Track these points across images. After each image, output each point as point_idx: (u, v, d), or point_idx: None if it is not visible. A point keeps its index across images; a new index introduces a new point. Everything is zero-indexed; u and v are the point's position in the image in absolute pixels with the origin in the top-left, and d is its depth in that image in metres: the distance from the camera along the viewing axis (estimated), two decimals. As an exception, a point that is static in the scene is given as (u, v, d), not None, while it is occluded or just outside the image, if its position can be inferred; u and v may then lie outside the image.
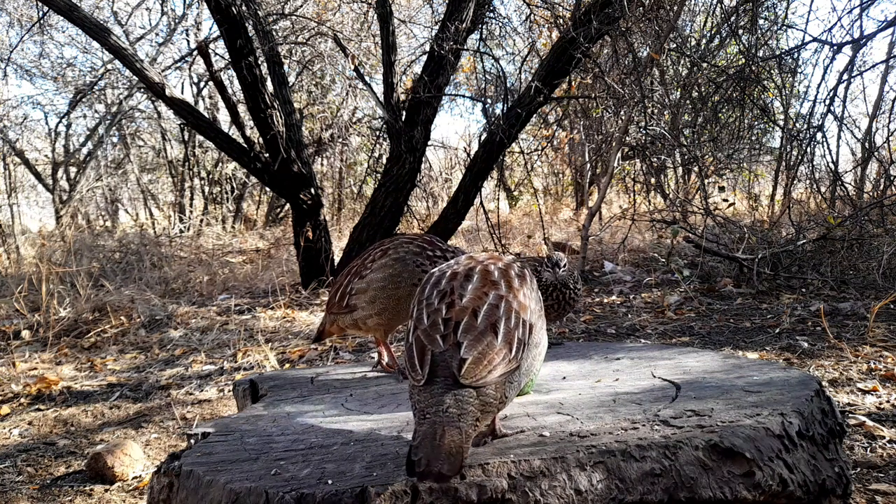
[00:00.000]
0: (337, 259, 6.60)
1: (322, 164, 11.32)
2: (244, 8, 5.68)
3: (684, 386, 1.68)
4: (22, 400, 3.67)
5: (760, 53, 6.15)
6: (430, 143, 6.61)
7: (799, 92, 7.29)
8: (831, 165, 5.89)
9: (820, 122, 5.59)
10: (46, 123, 11.67)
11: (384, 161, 6.95)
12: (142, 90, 9.41)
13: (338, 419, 1.62)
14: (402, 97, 6.26)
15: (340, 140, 10.55)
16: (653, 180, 7.38)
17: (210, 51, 6.13)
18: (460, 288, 1.32)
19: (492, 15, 6.50)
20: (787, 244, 5.62)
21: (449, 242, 2.20)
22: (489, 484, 1.18)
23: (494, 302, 1.30)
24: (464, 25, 5.99)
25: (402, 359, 1.33)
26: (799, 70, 6.89)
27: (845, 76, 5.55)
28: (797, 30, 7.33)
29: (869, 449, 2.39)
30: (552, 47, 6.07)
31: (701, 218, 6.12)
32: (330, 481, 1.21)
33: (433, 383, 1.22)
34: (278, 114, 6.00)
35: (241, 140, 6.16)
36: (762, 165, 8.89)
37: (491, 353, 1.24)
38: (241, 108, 6.84)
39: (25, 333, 5.05)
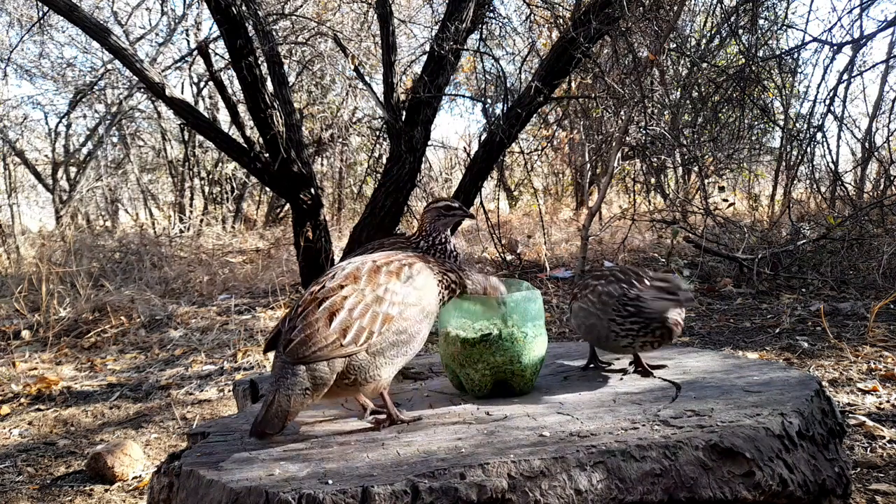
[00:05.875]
0: (337, 259, 6.60)
1: (322, 164, 11.30)
2: (244, 8, 5.67)
3: (684, 386, 1.68)
4: (22, 400, 3.67)
5: (760, 53, 6.15)
6: (430, 143, 6.58)
7: (799, 92, 7.27)
8: (831, 165, 5.89)
9: (820, 122, 5.59)
10: (46, 123, 11.62)
11: (384, 161, 6.94)
12: (142, 90, 9.39)
13: (338, 419, 1.62)
14: (402, 97, 6.25)
15: (340, 140, 10.54)
16: (653, 180, 7.38)
17: (210, 51, 6.11)
18: (330, 280, 1.49)
19: (492, 15, 6.49)
20: (787, 244, 5.62)
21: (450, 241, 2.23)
22: (489, 484, 1.18)
23: (346, 294, 1.45)
24: (464, 25, 5.98)
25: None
26: (799, 70, 6.88)
27: (845, 76, 5.56)
28: (797, 30, 7.32)
29: (869, 449, 2.39)
30: (552, 47, 6.06)
31: (701, 218, 6.12)
32: (330, 481, 1.21)
33: (278, 356, 1.44)
34: (278, 114, 5.98)
35: (241, 140, 6.14)
36: (762, 165, 8.88)
37: (316, 336, 1.40)
38: (241, 108, 6.83)
39: (25, 333, 5.05)
